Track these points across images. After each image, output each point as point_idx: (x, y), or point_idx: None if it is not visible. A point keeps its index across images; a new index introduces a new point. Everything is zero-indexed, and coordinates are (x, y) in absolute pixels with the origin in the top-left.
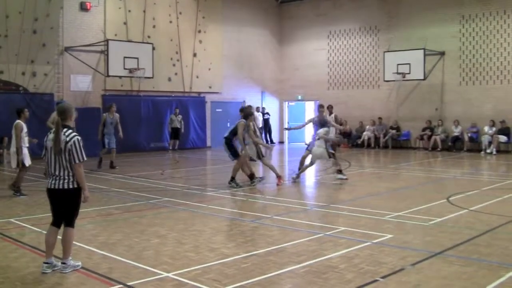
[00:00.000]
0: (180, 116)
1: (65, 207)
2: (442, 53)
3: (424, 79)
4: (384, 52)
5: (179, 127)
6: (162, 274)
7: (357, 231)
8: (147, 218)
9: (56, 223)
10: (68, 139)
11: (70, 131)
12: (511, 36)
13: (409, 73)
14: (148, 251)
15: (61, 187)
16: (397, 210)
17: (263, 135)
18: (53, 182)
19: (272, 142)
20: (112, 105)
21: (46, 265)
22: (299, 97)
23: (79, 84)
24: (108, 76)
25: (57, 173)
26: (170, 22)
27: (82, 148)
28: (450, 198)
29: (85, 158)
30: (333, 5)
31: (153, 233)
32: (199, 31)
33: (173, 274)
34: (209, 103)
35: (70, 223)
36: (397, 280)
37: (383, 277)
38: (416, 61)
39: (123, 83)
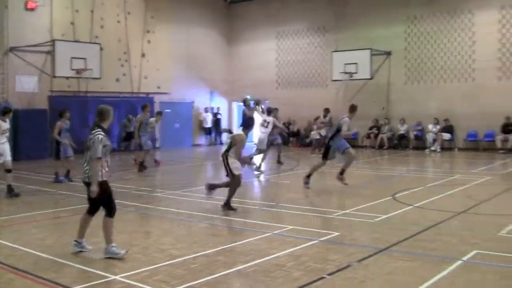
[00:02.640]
0: (133, 119)
1: (91, 198)
2: (388, 53)
3: (370, 79)
4: (332, 52)
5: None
6: (110, 277)
7: (305, 229)
8: (95, 221)
9: (89, 211)
10: (91, 136)
11: (98, 130)
12: (455, 36)
13: (356, 73)
14: (96, 254)
15: (87, 180)
16: (344, 208)
17: (213, 135)
18: (84, 175)
19: (222, 142)
20: (147, 105)
21: (74, 243)
22: (248, 97)
23: (25, 85)
24: (54, 77)
25: (85, 167)
26: (118, 22)
27: (99, 146)
28: (395, 195)
29: (100, 155)
30: (282, 5)
31: (101, 236)
32: (148, 31)
33: (120, 277)
34: (157, 104)
35: (106, 213)
36: (343, 277)
37: (329, 274)
38: (363, 61)
39: (71, 84)
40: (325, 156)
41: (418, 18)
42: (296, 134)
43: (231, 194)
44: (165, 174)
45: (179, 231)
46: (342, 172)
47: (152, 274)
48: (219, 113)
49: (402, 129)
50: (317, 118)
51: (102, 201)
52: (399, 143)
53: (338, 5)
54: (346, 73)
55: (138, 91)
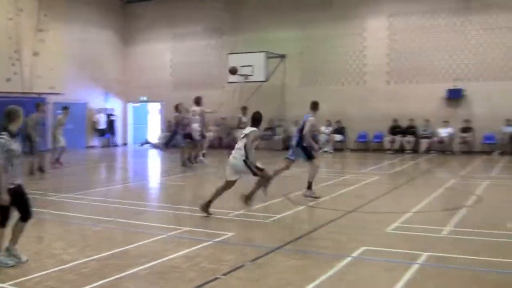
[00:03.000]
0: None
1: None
2: (283, 56)
3: (266, 81)
4: (228, 54)
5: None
6: None
7: (200, 230)
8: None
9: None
10: None
11: (1, 134)
12: (348, 41)
13: (251, 75)
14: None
15: None
16: (238, 208)
17: (107, 136)
18: None
19: (116, 144)
20: (40, 104)
21: None
22: (144, 98)
23: None
24: None
25: None
26: (10, 19)
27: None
28: (288, 196)
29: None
30: (179, 6)
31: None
32: (41, 30)
33: (9, 284)
34: (51, 104)
35: (20, 218)
36: (238, 277)
37: (224, 274)
38: (259, 64)
39: None
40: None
41: (312, 22)
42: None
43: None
44: (58, 177)
45: (72, 235)
46: (309, 186)
47: (42, 280)
48: (114, 115)
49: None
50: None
51: (17, 207)
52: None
53: (234, 7)
54: (241, 75)
55: (30, 91)
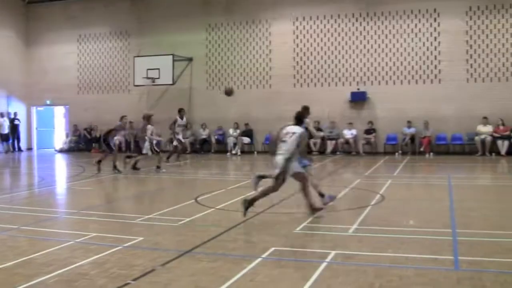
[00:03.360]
0: None
1: None
2: (190, 59)
3: (173, 84)
4: (135, 57)
5: None
6: None
7: (108, 236)
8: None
9: None
10: None
11: None
12: (254, 45)
13: (158, 78)
14: None
15: None
16: (147, 212)
17: (10, 141)
18: None
19: (20, 149)
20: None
21: None
22: (48, 102)
23: None
24: None
25: None
26: None
27: None
28: (198, 198)
29: None
30: (84, 8)
31: None
32: None
33: None
34: None
35: None
36: (148, 281)
37: (134, 280)
38: (166, 67)
39: None
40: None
41: (218, 26)
42: (98, 139)
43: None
44: None
45: None
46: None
47: None
48: (17, 119)
49: (203, 134)
50: (174, 122)
51: None
52: (201, 147)
53: (141, 10)
54: (148, 78)
55: None
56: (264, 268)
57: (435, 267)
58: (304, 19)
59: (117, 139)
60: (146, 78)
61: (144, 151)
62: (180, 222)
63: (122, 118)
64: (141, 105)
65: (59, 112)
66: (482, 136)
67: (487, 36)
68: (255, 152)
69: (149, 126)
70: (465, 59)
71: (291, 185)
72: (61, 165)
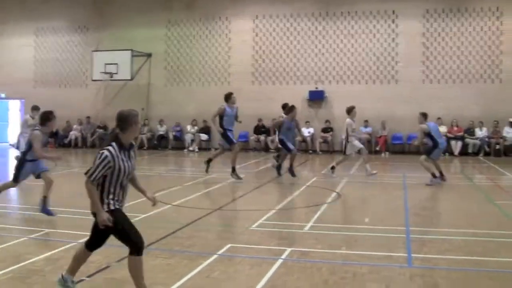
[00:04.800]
0: None
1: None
2: (149, 55)
3: (131, 80)
4: (93, 51)
5: None
6: None
7: (62, 232)
8: None
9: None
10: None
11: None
12: (213, 42)
13: (116, 73)
14: None
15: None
16: None
17: None
18: None
19: None
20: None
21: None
22: (2, 95)
23: None
24: None
25: None
26: None
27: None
28: (154, 195)
29: (94, 176)
30: (42, 0)
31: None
32: None
33: None
34: None
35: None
36: (103, 278)
37: (89, 276)
38: (124, 62)
39: None
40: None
41: (178, 22)
42: (55, 134)
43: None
44: None
45: None
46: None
47: None
48: None
49: (161, 130)
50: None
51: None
52: (158, 143)
53: (99, 4)
54: (106, 73)
55: None
56: (220, 265)
57: (389, 264)
58: (264, 17)
59: (73, 134)
60: (104, 73)
61: None
62: (136, 219)
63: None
64: (98, 100)
65: (14, 106)
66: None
67: (443, 38)
68: (213, 149)
69: None
70: (422, 61)
71: (247, 183)
72: (14, 160)
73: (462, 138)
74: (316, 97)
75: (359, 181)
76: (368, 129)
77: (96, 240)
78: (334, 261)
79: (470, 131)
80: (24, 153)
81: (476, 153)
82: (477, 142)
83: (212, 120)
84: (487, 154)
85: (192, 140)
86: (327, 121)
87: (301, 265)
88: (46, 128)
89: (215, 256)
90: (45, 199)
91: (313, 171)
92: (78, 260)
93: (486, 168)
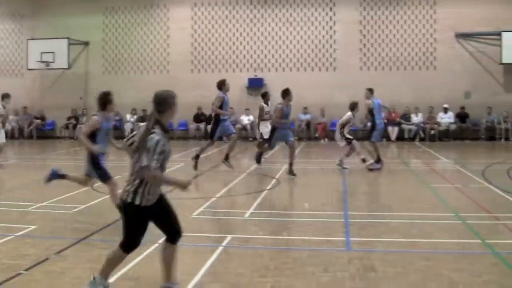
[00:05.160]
0: None
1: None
2: (86, 43)
3: (68, 68)
4: (28, 39)
5: None
6: None
7: None
8: None
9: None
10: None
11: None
12: (152, 29)
13: (53, 62)
14: None
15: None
16: (42, 200)
17: None
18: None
19: None
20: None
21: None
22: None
23: None
24: None
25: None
26: None
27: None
28: (94, 185)
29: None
30: None
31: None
32: None
33: None
34: None
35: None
36: (41, 271)
37: (27, 270)
38: (61, 50)
39: None
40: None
41: (116, 10)
42: None
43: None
44: None
45: None
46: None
47: None
48: None
49: None
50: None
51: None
52: None
53: None
54: (42, 62)
55: None
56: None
57: (328, 249)
58: (202, 4)
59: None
60: (40, 62)
61: None
62: (75, 209)
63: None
64: (34, 89)
65: None
66: None
67: (379, 26)
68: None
69: None
70: (359, 48)
71: (187, 173)
72: None
73: (398, 124)
74: (255, 85)
75: (299, 167)
76: (307, 116)
77: (133, 240)
78: (274, 247)
79: (406, 117)
80: None
81: (412, 139)
82: (413, 127)
83: (215, 110)
84: (422, 139)
85: (132, 130)
86: None
87: (242, 251)
88: None
89: (156, 245)
90: None
91: (253, 159)
92: (114, 263)
93: (422, 153)
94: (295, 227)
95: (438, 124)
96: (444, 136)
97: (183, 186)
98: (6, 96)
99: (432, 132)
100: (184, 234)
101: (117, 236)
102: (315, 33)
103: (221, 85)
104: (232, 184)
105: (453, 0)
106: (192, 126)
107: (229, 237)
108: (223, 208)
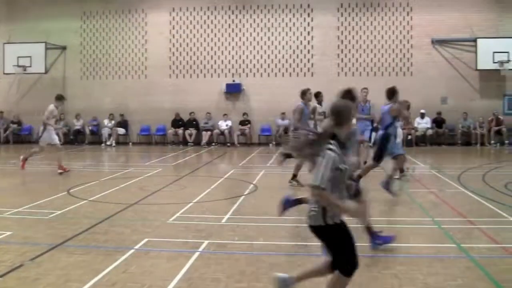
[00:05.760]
0: None
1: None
2: (64, 48)
3: (45, 73)
4: (4, 43)
5: None
6: None
7: None
8: None
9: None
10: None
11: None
12: (130, 34)
13: (30, 66)
14: None
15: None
16: (17, 206)
17: None
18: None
19: None
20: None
21: None
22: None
23: None
24: None
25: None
26: None
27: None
28: (70, 190)
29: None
30: None
31: None
32: None
33: None
34: None
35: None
36: (16, 277)
37: (1, 276)
38: (38, 55)
39: None
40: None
41: (94, 14)
42: None
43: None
44: None
45: None
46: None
47: None
48: None
49: (77, 124)
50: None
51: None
52: (75, 138)
53: None
54: (19, 66)
55: None
56: (137, 259)
57: (305, 254)
58: (180, 10)
59: None
60: (17, 66)
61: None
62: (52, 215)
63: None
64: (11, 94)
65: None
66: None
67: (357, 32)
68: (130, 143)
69: None
70: (336, 54)
71: (164, 178)
72: None
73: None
74: (233, 90)
75: (277, 172)
76: (285, 122)
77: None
78: (251, 252)
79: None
80: None
81: None
82: None
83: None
84: None
85: (110, 135)
86: (244, 113)
87: (218, 257)
88: None
89: (132, 251)
90: None
91: (232, 164)
92: (314, 275)
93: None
94: (272, 232)
95: (415, 129)
96: (421, 141)
97: (359, 212)
98: None
99: (409, 137)
100: (161, 239)
101: (92, 242)
102: (293, 39)
103: (304, 94)
104: (210, 189)
105: (429, 7)
106: (170, 131)
107: (205, 242)
108: (200, 214)
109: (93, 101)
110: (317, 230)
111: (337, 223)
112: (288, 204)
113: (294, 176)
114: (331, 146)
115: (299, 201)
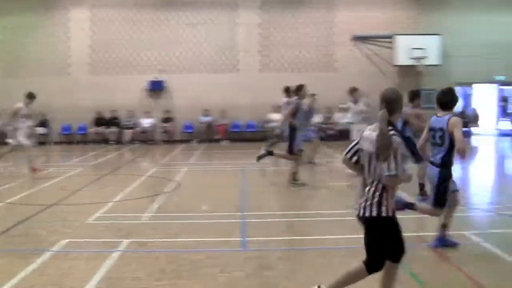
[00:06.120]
0: None
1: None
2: None
3: None
4: None
5: None
6: None
7: None
8: None
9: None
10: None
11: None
12: (52, 31)
13: None
14: None
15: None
16: None
17: None
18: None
19: None
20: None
21: None
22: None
23: None
24: None
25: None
26: None
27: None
28: None
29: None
30: None
31: None
32: None
33: None
34: None
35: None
36: None
37: None
38: None
39: None
40: None
41: (12, 10)
42: None
43: None
44: None
45: None
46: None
47: None
48: None
49: None
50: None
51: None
52: None
53: None
54: None
55: None
56: (54, 261)
57: (225, 249)
58: (102, 6)
59: None
60: None
61: None
62: None
63: None
64: None
65: None
66: (274, 124)
67: (281, 29)
68: (51, 143)
69: None
70: (259, 50)
71: (85, 178)
72: None
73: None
74: (156, 87)
75: (199, 169)
76: (208, 118)
77: (379, 261)
78: (172, 250)
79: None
80: None
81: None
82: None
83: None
84: (322, 139)
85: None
86: (167, 111)
87: (139, 255)
88: None
89: (49, 253)
90: None
91: (153, 162)
92: (350, 280)
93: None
94: (193, 229)
95: (337, 124)
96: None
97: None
98: None
99: (331, 132)
100: (80, 240)
101: (8, 245)
102: (218, 36)
103: (299, 90)
104: (131, 188)
105: (350, 4)
106: (92, 129)
107: (125, 241)
108: (121, 213)
109: (13, 101)
110: (373, 221)
111: (394, 214)
112: (401, 204)
113: (294, 176)
114: (393, 132)
115: (408, 206)
